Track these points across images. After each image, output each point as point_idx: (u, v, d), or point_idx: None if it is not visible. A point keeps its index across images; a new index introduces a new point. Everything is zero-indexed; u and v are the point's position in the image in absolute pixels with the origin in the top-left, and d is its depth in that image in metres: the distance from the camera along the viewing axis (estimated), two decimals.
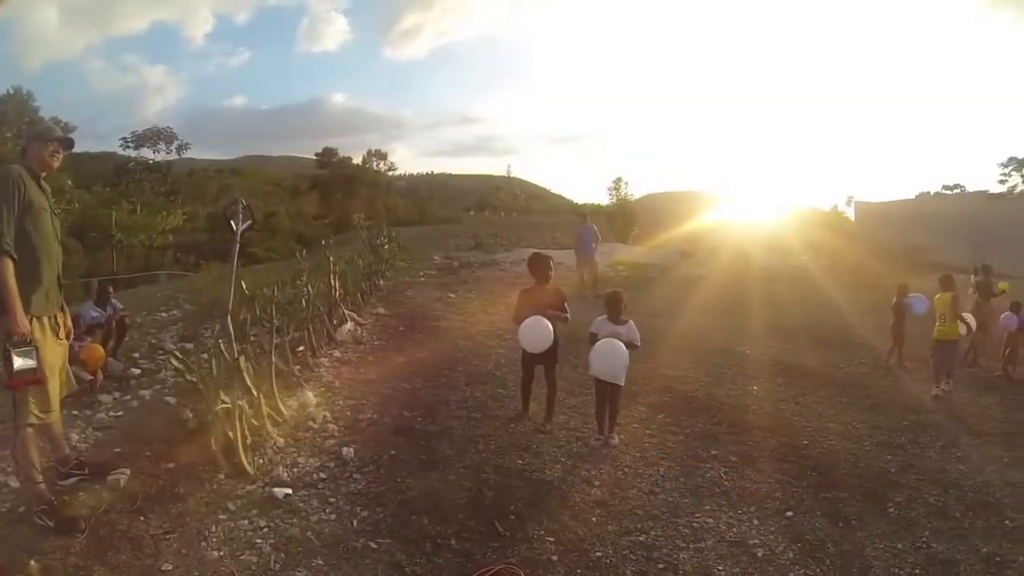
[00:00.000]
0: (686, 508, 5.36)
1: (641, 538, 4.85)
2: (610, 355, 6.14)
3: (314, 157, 79.95)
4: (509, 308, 7.13)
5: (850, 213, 37.90)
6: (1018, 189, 44.54)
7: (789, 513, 5.45)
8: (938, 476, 6.48)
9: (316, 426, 6.51)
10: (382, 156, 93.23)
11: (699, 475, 6.01)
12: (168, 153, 62.03)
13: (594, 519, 5.06)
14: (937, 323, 9.84)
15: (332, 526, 4.75)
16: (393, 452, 6.04)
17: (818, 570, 4.68)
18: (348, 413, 7.00)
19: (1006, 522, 5.65)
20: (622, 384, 6.42)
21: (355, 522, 4.83)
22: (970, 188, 45.88)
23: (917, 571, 4.78)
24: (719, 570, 4.56)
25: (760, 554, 4.80)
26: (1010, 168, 46.27)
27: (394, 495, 5.24)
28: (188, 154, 65.33)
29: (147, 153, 60.93)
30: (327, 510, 4.97)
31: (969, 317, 10.19)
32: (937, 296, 10.00)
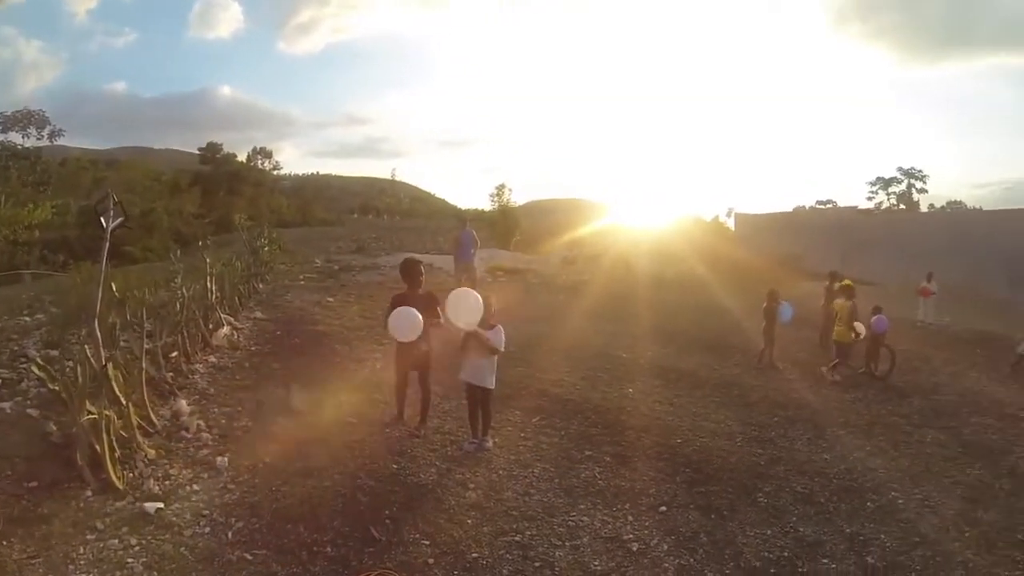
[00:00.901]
0: (561, 507, 5.51)
1: (517, 538, 4.97)
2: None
3: (197, 152, 76.50)
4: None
5: (730, 223, 39.76)
6: (884, 205, 48.48)
7: (663, 508, 5.70)
8: (805, 466, 6.96)
9: (189, 436, 6.33)
10: (268, 154, 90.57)
11: (573, 475, 6.18)
12: (39, 139, 57.66)
13: (470, 521, 5.15)
14: (836, 325, 10.98)
15: (207, 540, 4.65)
16: (268, 460, 5.94)
17: (692, 560, 4.95)
18: (223, 421, 6.84)
19: (868, 504, 6.21)
20: (492, 388, 6.52)
21: (230, 534, 4.74)
22: (841, 204, 50.28)
23: (786, 553, 5.16)
24: (595, 566, 4.73)
25: (635, 548, 5.01)
26: (877, 187, 50.62)
27: (269, 504, 5.17)
28: (61, 141, 60.90)
29: (15, 138, 56.40)
30: (201, 523, 4.85)
31: (860, 325, 11.09)
32: (837, 302, 11.15)
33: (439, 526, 5.01)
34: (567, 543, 4.97)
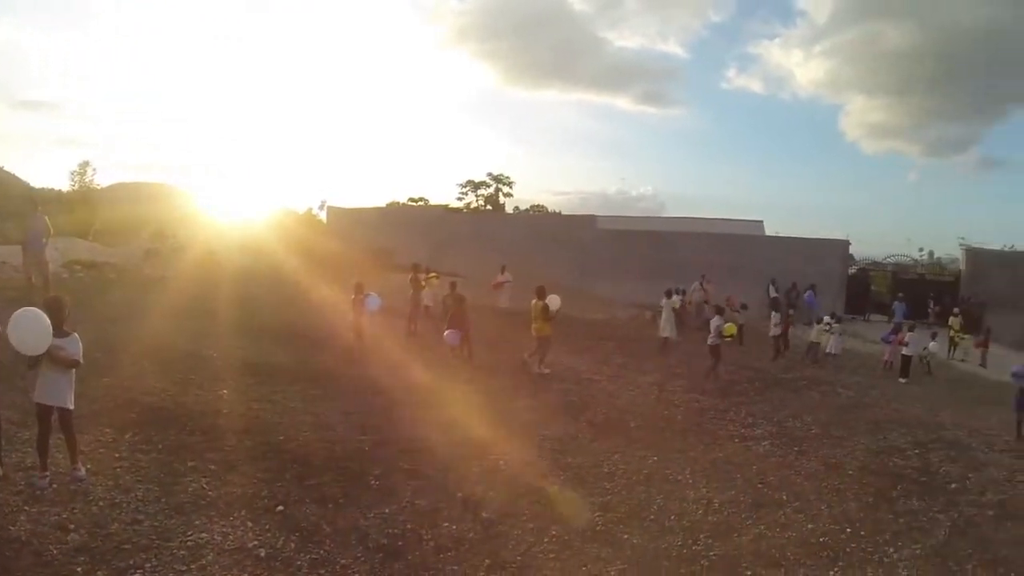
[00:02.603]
0: (176, 529, 5.16)
1: (138, 574, 4.54)
2: (24, 324, 5.24)
3: None
4: None
5: (323, 216, 39.94)
6: (473, 205, 53.87)
7: (280, 508, 5.70)
8: (409, 445, 7.50)
9: None
10: None
11: (181, 491, 5.83)
12: None
13: (80, 569, 4.51)
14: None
15: None
16: None
17: (322, 551, 5.07)
18: None
19: (474, 469, 6.97)
20: (72, 407, 5.75)
21: None
22: (433, 201, 54.68)
23: (408, 525, 5.61)
24: None
25: (263, 554, 4.94)
26: (467, 188, 56.07)
27: None
28: None
29: None
30: None
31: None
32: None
33: None
34: (192, 565, 4.70)
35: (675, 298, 17.22)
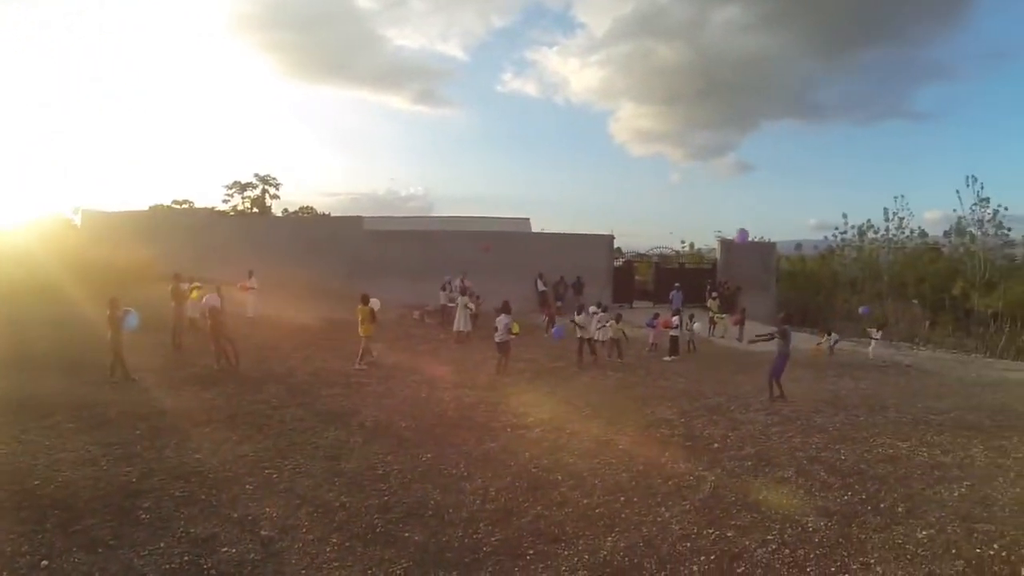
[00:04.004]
0: None
1: None
2: None
3: None
4: None
5: (77, 221, 36.42)
6: (239, 208, 51.93)
7: (45, 563, 5.39)
8: (178, 470, 7.38)
9: None
10: None
11: None
12: None
13: None
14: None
15: None
16: None
17: None
18: None
19: (247, 487, 6.96)
20: None
21: None
22: (199, 204, 52.10)
23: (186, 557, 5.48)
24: None
25: None
26: (233, 190, 53.83)
27: None
28: None
29: None
30: None
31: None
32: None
33: None
34: None
35: (466, 296, 18.65)
